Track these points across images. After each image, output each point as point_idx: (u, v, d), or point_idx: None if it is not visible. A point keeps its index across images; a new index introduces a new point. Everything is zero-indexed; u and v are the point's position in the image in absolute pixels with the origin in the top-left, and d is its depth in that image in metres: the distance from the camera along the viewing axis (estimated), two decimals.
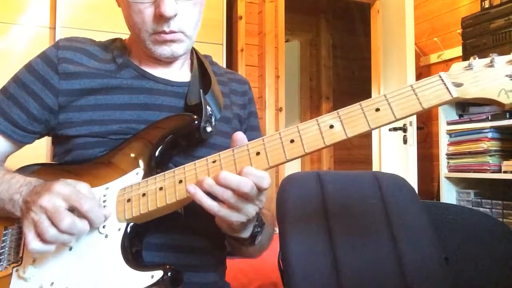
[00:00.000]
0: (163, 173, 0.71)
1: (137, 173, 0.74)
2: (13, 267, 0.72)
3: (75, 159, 0.80)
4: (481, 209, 2.43)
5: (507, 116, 2.32)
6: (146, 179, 0.72)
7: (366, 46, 3.70)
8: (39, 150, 2.12)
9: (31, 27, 2.34)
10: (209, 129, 0.78)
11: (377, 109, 0.64)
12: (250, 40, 3.10)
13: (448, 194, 2.65)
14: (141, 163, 0.75)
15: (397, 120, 0.63)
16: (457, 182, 2.67)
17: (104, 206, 0.71)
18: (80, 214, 0.65)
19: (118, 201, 0.71)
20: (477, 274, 1.18)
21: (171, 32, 0.79)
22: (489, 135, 2.43)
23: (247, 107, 0.98)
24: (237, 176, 0.63)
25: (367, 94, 3.44)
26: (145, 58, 0.86)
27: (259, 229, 0.76)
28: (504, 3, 2.43)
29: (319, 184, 1.15)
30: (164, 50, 0.81)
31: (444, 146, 2.67)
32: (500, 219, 2.28)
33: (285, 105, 3.10)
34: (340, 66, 4.59)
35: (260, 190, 0.64)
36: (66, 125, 0.80)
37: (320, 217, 1.10)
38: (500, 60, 0.63)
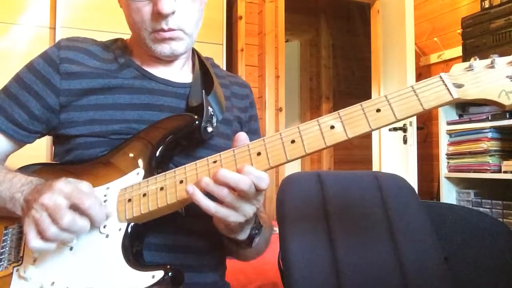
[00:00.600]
0: (164, 173, 0.71)
1: (137, 173, 0.74)
2: (14, 266, 0.72)
3: (76, 159, 0.80)
4: (481, 209, 2.43)
5: (507, 116, 2.32)
6: (147, 179, 0.72)
7: (366, 46, 3.70)
8: (39, 150, 2.13)
9: (31, 27, 2.34)
10: (210, 129, 0.78)
11: (378, 110, 0.64)
12: (250, 40, 3.10)
13: (448, 194, 2.65)
14: (141, 163, 0.75)
15: (398, 121, 0.63)
16: (457, 182, 2.67)
17: (105, 206, 0.71)
18: (81, 212, 0.65)
19: (119, 201, 0.71)
20: (477, 274, 1.18)
21: (170, 29, 0.79)
22: (489, 135, 2.43)
23: (248, 110, 0.98)
24: (236, 173, 0.63)
25: (367, 94, 3.44)
26: (147, 57, 0.86)
27: (256, 231, 0.76)
28: (504, 3, 2.43)
29: (319, 184, 1.15)
30: (164, 48, 0.81)
31: (444, 146, 2.67)
32: (500, 219, 2.28)
33: (285, 105, 3.10)
34: (340, 66, 4.59)
35: (258, 190, 0.64)
36: (67, 124, 0.80)
37: (320, 217, 1.10)
38: (501, 61, 0.63)
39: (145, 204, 0.69)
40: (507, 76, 0.62)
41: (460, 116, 2.64)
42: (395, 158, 3.01)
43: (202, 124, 0.77)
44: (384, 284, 1.05)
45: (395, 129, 2.92)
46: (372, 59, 3.38)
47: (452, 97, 0.62)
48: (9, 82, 0.85)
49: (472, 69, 0.64)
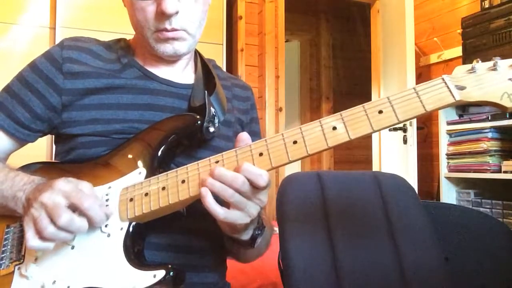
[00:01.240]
0: (165, 172, 0.71)
1: (139, 173, 0.74)
2: (15, 265, 0.72)
3: (78, 158, 0.80)
4: (481, 209, 2.43)
5: (507, 116, 2.32)
6: (149, 178, 0.72)
7: (366, 46, 3.70)
8: (39, 149, 2.13)
9: (31, 27, 2.34)
10: (211, 129, 0.78)
11: (380, 111, 0.64)
12: (250, 40, 3.10)
13: (448, 194, 2.65)
14: (143, 162, 0.75)
15: (400, 122, 0.64)
16: (457, 182, 2.67)
17: (107, 205, 0.71)
18: (81, 212, 0.65)
19: (121, 200, 0.72)
20: (477, 274, 1.18)
21: (173, 29, 0.79)
22: (489, 135, 2.43)
23: (249, 112, 0.98)
24: (231, 172, 0.63)
25: (367, 94, 3.45)
26: (149, 57, 0.87)
27: (259, 232, 0.76)
28: (504, 3, 2.43)
29: (319, 184, 1.15)
30: (166, 48, 0.81)
31: (444, 146, 2.67)
32: (500, 219, 2.28)
33: (285, 105, 3.10)
34: (340, 66, 4.59)
35: (256, 188, 0.64)
36: (69, 124, 0.81)
37: (320, 217, 1.10)
38: (503, 64, 0.63)
39: (147, 204, 0.69)
40: (510, 79, 0.62)
41: (460, 116, 2.64)
42: (395, 158, 3.01)
43: (204, 124, 0.78)
44: (384, 284, 1.05)
45: (395, 129, 2.92)
46: (372, 59, 3.38)
47: (455, 99, 0.63)
48: (12, 81, 0.85)
49: (475, 71, 0.64)
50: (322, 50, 4.53)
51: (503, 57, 0.65)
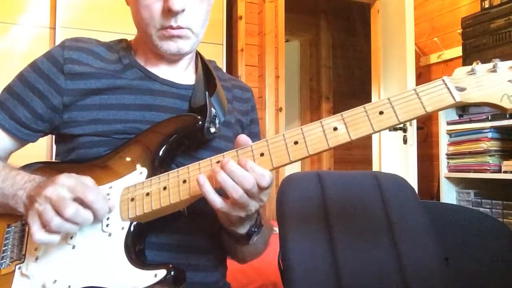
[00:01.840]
0: (167, 172, 0.71)
1: (140, 173, 0.74)
2: (16, 264, 0.72)
3: (79, 158, 0.80)
4: (481, 209, 2.43)
5: (507, 116, 2.32)
6: (150, 178, 0.73)
7: (366, 46, 3.70)
8: (39, 149, 2.13)
9: (31, 27, 2.34)
10: (212, 129, 0.79)
11: (381, 112, 0.64)
12: (250, 40, 3.10)
13: (448, 194, 2.66)
14: (144, 162, 0.76)
15: (400, 123, 0.64)
16: (457, 182, 2.67)
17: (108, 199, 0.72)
18: (85, 205, 0.66)
19: (122, 200, 0.72)
20: (477, 274, 1.18)
21: (178, 27, 0.79)
22: (489, 135, 2.43)
23: (249, 114, 0.99)
24: (242, 169, 0.63)
25: (367, 94, 3.45)
26: (151, 57, 0.87)
27: (256, 229, 0.76)
28: (504, 3, 2.43)
29: (319, 184, 1.15)
30: (170, 46, 0.82)
31: (444, 146, 2.67)
32: (500, 219, 2.28)
33: (285, 105, 3.10)
34: (340, 66, 4.59)
35: (260, 188, 0.64)
36: (71, 124, 0.81)
37: (320, 217, 1.10)
38: (503, 65, 0.64)
39: (148, 204, 0.70)
40: (509, 80, 0.63)
41: (460, 116, 2.64)
42: (395, 158, 3.01)
43: (205, 125, 0.78)
44: (384, 284, 1.05)
45: (395, 129, 2.92)
46: (372, 59, 3.38)
47: (455, 101, 0.63)
48: (13, 81, 0.85)
49: (475, 73, 0.65)
50: (322, 50, 4.52)
51: (503, 57, 0.65)
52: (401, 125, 2.87)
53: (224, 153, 0.68)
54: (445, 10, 3.12)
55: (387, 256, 1.08)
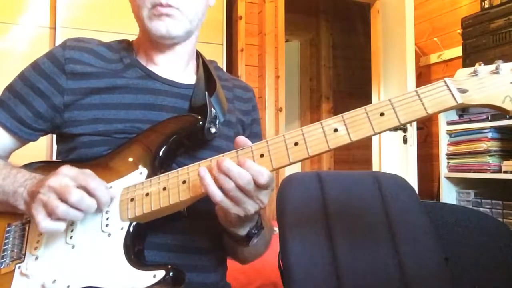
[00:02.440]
0: (166, 173, 0.71)
1: (140, 173, 0.74)
2: (16, 264, 0.72)
3: (80, 157, 0.80)
4: (481, 209, 2.43)
5: (507, 116, 2.32)
6: (149, 179, 0.73)
7: (366, 46, 3.70)
8: (40, 149, 2.13)
9: (31, 27, 2.34)
10: (213, 130, 0.79)
11: (382, 114, 0.64)
12: (250, 40, 3.10)
13: (448, 194, 2.65)
14: (144, 163, 0.76)
15: (401, 125, 0.64)
16: (457, 182, 2.67)
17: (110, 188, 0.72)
18: (88, 192, 0.67)
19: (122, 200, 0.72)
20: (477, 274, 1.18)
21: (167, 5, 0.80)
22: (489, 135, 2.43)
23: (250, 113, 0.99)
24: (238, 167, 0.63)
25: (367, 94, 3.44)
26: (151, 52, 0.87)
27: (256, 232, 0.76)
28: (504, 3, 2.43)
29: (319, 184, 1.15)
30: (159, 26, 0.81)
31: (444, 146, 2.67)
32: (500, 219, 2.28)
33: (285, 105, 3.10)
34: (340, 66, 4.59)
35: (258, 186, 0.64)
36: (71, 123, 0.81)
37: (320, 217, 1.10)
38: (505, 67, 0.64)
39: (148, 204, 0.70)
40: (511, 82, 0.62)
41: (460, 116, 2.63)
42: (395, 158, 3.01)
43: (206, 125, 0.78)
44: (384, 284, 1.05)
45: (395, 129, 2.92)
46: (372, 59, 3.38)
47: (456, 102, 0.63)
48: (14, 81, 0.85)
49: (477, 75, 0.64)
50: (322, 50, 4.52)
51: (503, 57, 0.65)
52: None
53: (224, 153, 0.68)
54: (445, 10, 3.12)
55: (387, 256, 1.08)
